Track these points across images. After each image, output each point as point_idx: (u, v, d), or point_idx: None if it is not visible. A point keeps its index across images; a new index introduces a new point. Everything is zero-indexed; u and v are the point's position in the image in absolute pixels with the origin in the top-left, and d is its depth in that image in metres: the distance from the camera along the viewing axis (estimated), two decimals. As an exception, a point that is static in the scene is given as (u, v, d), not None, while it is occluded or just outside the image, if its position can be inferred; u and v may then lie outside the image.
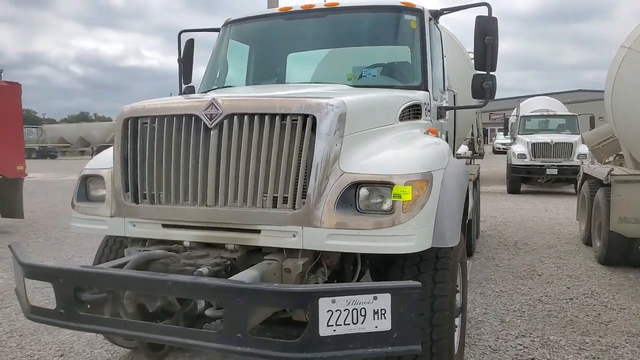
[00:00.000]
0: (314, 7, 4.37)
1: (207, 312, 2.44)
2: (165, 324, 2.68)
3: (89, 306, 2.68)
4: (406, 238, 2.72)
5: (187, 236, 3.05)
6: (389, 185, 2.75)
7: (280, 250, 2.97)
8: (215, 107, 2.95)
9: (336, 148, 2.81)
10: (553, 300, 5.47)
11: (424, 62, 4.07)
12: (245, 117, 2.90)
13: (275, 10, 4.58)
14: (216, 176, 2.95)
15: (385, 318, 2.28)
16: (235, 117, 2.91)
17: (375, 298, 2.28)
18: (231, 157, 2.91)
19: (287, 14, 4.45)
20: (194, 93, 5.01)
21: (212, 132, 2.95)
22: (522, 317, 4.94)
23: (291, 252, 2.92)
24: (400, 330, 2.29)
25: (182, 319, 2.69)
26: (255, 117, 2.88)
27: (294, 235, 2.80)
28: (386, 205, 2.76)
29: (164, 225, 3.10)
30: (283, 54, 4.59)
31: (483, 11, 4.16)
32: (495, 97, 4.23)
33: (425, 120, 3.95)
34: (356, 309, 2.26)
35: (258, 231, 2.89)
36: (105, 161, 3.44)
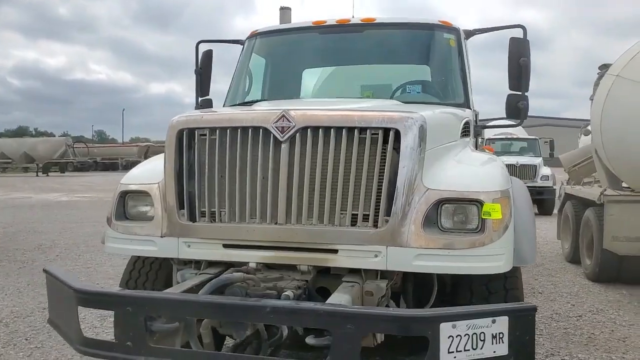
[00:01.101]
0: (350, 22, 4.29)
1: (310, 341, 2.24)
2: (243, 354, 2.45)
3: (155, 337, 2.41)
4: (496, 258, 2.64)
5: (253, 257, 2.82)
6: (476, 202, 2.66)
7: (351, 271, 2.81)
8: (287, 119, 2.77)
9: (419, 163, 2.71)
10: (564, 317, 5.53)
11: (464, 80, 4.07)
12: (321, 130, 2.75)
13: (308, 23, 4.46)
14: (288, 192, 2.76)
15: (503, 342, 2.17)
16: (309, 130, 2.75)
17: (493, 322, 2.16)
18: (305, 172, 2.74)
19: (322, 27, 4.34)
20: (212, 107, 4.80)
21: (282, 146, 2.77)
22: (542, 335, 4.96)
23: (367, 274, 2.77)
24: (517, 355, 2.18)
25: (266, 348, 2.46)
26: (332, 130, 2.73)
27: (376, 256, 2.65)
28: (472, 224, 2.67)
29: (225, 246, 2.87)
30: (315, 68, 4.47)
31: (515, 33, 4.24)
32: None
33: (472, 138, 3.93)
34: (476, 334, 2.14)
35: (335, 251, 2.72)
36: (149, 175, 3.17)
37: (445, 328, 2.09)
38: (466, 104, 4.00)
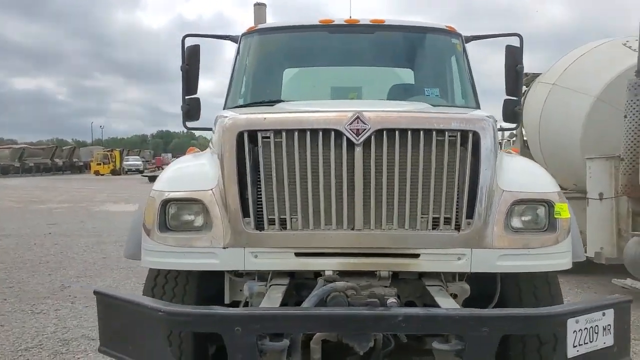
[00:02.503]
0: (360, 23, 4.27)
1: (439, 346, 2.20)
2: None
3: (264, 358, 2.22)
4: (564, 255, 2.79)
5: (329, 265, 2.71)
6: (546, 203, 2.79)
7: (421, 275, 2.81)
8: (362, 121, 2.70)
9: (495, 166, 2.78)
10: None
11: (473, 84, 4.24)
12: (397, 132, 2.71)
13: (314, 22, 4.35)
14: (365, 197, 2.69)
15: (610, 333, 2.31)
16: (384, 132, 2.71)
17: (603, 314, 2.29)
18: (383, 175, 2.69)
19: (333, 27, 4.26)
20: (199, 106, 4.49)
21: (357, 149, 2.70)
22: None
23: (445, 276, 2.79)
24: (619, 344, 2.34)
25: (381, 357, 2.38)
26: (409, 132, 2.71)
27: (459, 258, 2.68)
28: (541, 224, 2.80)
29: (298, 254, 2.72)
30: (322, 67, 4.39)
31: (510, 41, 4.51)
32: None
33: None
34: (592, 327, 2.25)
35: (417, 255, 2.70)
36: (194, 181, 2.90)
37: (571, 324, 2.17)
38: (478, 108, 4.17)
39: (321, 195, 2.70)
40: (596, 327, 2.26)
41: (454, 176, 2.70)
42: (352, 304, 2.41)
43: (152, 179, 38.72)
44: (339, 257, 2.70)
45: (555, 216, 2.78)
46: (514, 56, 4.37)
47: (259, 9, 5.57)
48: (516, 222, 2.79)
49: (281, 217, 2.73)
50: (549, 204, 2.79)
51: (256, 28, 4.47)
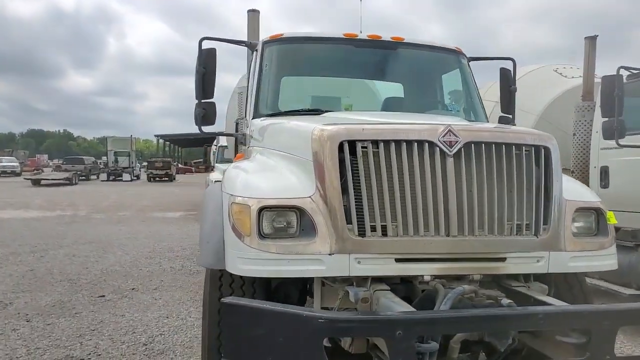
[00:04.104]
0: (383, 39, 4.45)
1: (565, 339, 2.43)
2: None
3: None
4: (612, 257, 3.20)
5: (427, 270, 2.84)
6: (596, 211, 3.19)
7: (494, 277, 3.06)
8: (454, 134, 2.89)
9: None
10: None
11: (481, 101, 4.62)
12: (483, 145, 2.93)
13: (339, 34, 4.44)
14: (458, 205, 2.87)
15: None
16: (473, 145, 2.92)
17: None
18: (473, 185, 2.89)
19: (357, 41, 4.40)
20: (215, 110, 4.38)
21: (448, 159, 2.87)
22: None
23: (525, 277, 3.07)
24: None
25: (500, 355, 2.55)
26: (493, 146, 2.95)
27: (538, 261, 2.96)
28: (594, 229, 3.19)
29: (398, 260, 2.82)
30: (345, 79, 4.49)
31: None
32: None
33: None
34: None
35: (503, 259, 2.93)
36: (287, 188, 2.89)
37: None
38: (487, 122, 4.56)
39: (419, 203, 2.82)
40: (673, 318, 2.66)
41: (531, 185, 2.99)
42: (475, 306, 2.57)
43: (36, 182, 35.22)
44: (436, 263, 2.84)
45: (609, 222, 3.19)
46: (507, 78, 4.86)
47: (253, 15, 5.41)
48: (576, 228, 3.15)
49: (382, 224, 2.81)
50: (598, 212, 3.20)
51: (281, 37, 4.46)
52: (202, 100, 4.37)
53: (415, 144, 2.84)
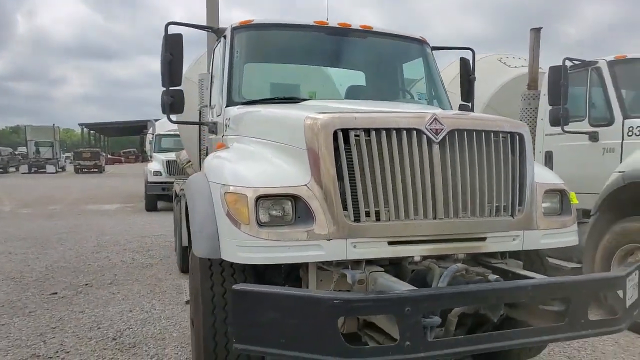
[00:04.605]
0: (352, 27, 4.54)
1: (547, 307, 2.67)
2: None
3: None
4: (574, 233, 3.51)
5: (417, 251, 2.99)
6: (561, 192, 3.48)
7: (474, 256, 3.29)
8: (439, 122, 3.05)
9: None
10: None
11: (445, 90, 4.84)
12: (465, 133, 3.12)
13: (310, 22, 4.47)
14: (444, 189, 3.04)
15: (636, 289, 3.05)
16: (456, 132, 3.09)
17: (636, 275, 3.02)
18: (457, 170, 3.07)
19: (327, 28, 4.45)
20: (183, 98, 4.32)
21: (434, 146, 3.03)
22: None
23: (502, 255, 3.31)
24: (638, 297, 3.11)
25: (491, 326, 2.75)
26: (474, 133, 3.14)
27: (514, 239, 3.20)
28: (557, 208, 3.48)
29: (390, 243, 2.95)
30: (307, 67, 4.54)
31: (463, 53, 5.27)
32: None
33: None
34: (635, 284, 2.96)
35: (483, 239, 3.14)
36: (287, 177, 2.93)
37: (629, 282, 2.85)
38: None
39: (409, 188, 2.97)
40: (636, 285, 2.98)
41: (508, 170, 3.21)
42: (467, 282, 2.76)
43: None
44: (425, 244, 3.00)
45: (572, 202, 3.49)
46: (467, 67, 5.13)
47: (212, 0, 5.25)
48: (545, 208, 3.42)
49: (375, 209, 2.92)
50: (562, 193, 3.50)
51: (251, 23, 4.43)
52: (170, 88, 4.29)
53: (404, 132, 2.97)
